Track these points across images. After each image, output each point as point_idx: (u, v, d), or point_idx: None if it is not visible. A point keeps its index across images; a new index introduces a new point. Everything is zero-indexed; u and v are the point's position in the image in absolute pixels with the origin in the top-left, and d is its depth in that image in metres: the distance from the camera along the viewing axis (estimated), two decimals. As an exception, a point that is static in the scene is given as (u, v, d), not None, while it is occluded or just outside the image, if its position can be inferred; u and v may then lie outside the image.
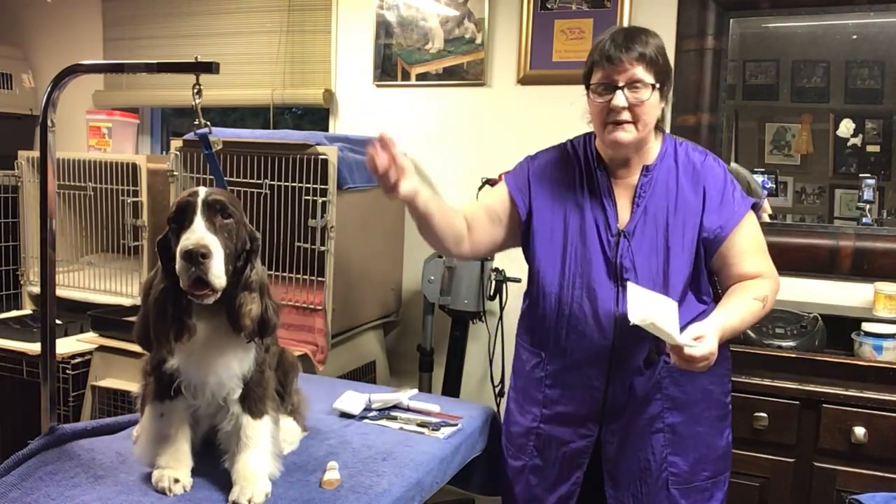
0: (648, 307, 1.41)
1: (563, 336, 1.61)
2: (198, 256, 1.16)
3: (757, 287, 1.57)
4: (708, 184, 1.60)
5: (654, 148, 1.64)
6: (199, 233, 1.18)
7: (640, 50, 1.52)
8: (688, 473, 1.61)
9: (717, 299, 1.63)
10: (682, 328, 1.43)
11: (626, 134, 1.55)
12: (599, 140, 1.65)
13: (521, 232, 1.71)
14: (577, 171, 1.67)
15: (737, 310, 1.52)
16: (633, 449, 1.60)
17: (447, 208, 1.65)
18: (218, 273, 1.19)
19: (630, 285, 1.48)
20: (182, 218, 1.21)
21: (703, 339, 1.40)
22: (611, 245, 1.59)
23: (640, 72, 1.52)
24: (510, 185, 1.72)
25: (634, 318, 1.39)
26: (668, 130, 2.59)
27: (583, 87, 1.61)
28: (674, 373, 1.56)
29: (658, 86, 1.54)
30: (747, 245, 1.60)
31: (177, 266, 1.18)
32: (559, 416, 1.65)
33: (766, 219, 2.60)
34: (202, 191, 1.23)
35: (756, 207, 1.63)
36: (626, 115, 1.53)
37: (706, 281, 1.62)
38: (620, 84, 1.52)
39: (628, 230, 1.59)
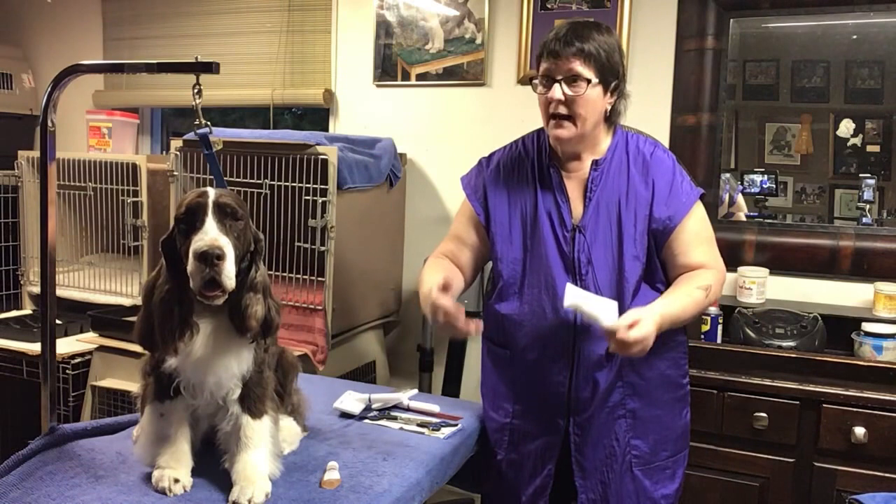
0: (581, 296, 1.49)
1: (526, 334, 1.64)
2: (213, 258, 1.16)
3: (701, 277, 1.60)
4: (657, 175, 1.63)
5: (604, 142, 1.66)
6: (212, 234, 1.19)
7: (580, 45, 1.55)
8: (649, 454, 1.65)
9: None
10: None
11: (565, 130, 1.58)
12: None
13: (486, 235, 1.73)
14: (529, 169, 1.70)
15: (679, 299, 1.56)
16: (599, 437, 1.63)
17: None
18: (230, 274, 1.19)
19: (568, 286, 1.52)
20: (193, 219, 1.21)
21: (638, 324, 1.42)
22: (567, 241, 1.62)
23: (578, 66, 1.55)
24: (469, 195, 1.76)
25: (566, 302, 1.47)
26: (667, 130, 2.62)
27: None
28: (634, 361, 1.59)
29: (597, 81, 1.56)
30: (694, 235, 1.63)
31: (189, 267, 1.18)
32: (528, 412, 1.68)
33: (742, 217, 2.61)
34: (211, 192, 1.23)
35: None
36: (562, 110, 1.56)
37: (660, 270, 1.65)
38: (558, 77, 1.56)
39: (583, 225, 1.62)
